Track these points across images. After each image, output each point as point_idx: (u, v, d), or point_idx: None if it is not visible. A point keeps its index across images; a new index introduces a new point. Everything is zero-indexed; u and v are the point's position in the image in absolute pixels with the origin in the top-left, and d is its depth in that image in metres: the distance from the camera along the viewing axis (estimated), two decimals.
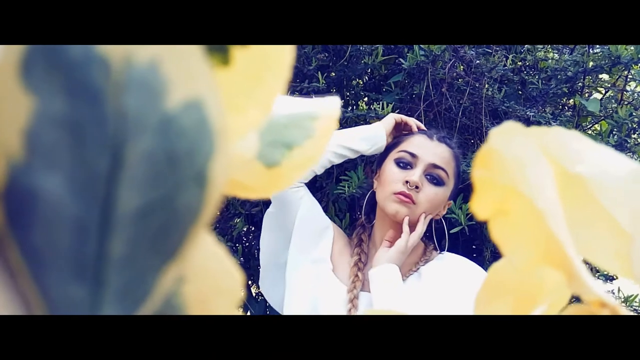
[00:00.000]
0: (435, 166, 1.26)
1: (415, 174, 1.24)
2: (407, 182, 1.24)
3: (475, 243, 1.63)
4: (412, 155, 1.27)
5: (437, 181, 1.26)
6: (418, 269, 1.27)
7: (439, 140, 1.30)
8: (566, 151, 0.20)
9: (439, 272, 1.24)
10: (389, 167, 1.30)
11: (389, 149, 1.34)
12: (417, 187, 1.24)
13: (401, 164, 1.28)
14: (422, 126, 1.38)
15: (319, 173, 1.37)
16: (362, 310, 1.23)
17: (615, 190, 0.20)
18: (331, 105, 0.23)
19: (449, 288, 1.18)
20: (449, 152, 1.29)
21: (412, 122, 1.37)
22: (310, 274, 1.30)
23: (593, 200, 0.20)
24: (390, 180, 1.27)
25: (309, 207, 1.34)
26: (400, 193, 1.24)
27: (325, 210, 1.61)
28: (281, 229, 1.36)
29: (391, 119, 1.36)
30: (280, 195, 1.33)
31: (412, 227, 1.26)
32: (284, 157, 0.21)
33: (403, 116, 1.38)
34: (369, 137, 1.33)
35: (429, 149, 1.27)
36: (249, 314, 1.76)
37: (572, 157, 0.20)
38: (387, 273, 1.21)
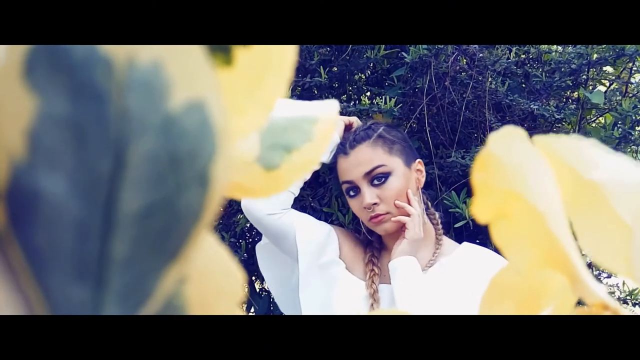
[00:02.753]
0: (368, 173, 1.26)
1: (365, 198, 1.25)
2: (364, 208, 1.25)
3: (479, 237, 1.63)
4: (349, 182, 1.28)
5: (383, 178, 1.26)
6: (436, 258, 1.27)
7: (351, 147, 1.29)
8: (581, 157, 0.20)
9: (460, 262, 1.24)
10: (348, 199, 1.32)
11: (336, 182, 1.36)
12: (375, 204, 1.25)
13: (351, 193, 1.29)
14: (354, 123, 1.37)
15: (295, 194, 1.37)
16: (385, 302, 1.24)
17: (629, 197, 0.20)
18: (330, 108, 0.23)
19: (471, 278, 1.18)
20: (368, 149, 1.28)
21: (346, 120, 1.37)
22: (320, 279, 1.30)
23: (606, 206, 0.20)
24: (357, 212, 1.30)
25: (305, 227, 1.34)
26: (370, 219, 1.26)
27: (329, 205, 1.61)
28: (284, 255, 1.37)
29: (342, 122, 1.37)
30: (271, 230, 1.34)
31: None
32: (283, 160, 0.21)
33: (350, 118, 1.39)
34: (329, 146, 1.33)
35: (352, 166, 1.28)
36: (252, 309, 1.76)
37: (586, 164, 0.20)
38: (405, 265, 1.21)
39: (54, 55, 0.14)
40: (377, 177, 1.25)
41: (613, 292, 1.75)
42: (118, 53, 0.14)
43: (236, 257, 1.65)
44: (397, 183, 1.26)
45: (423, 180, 1.33)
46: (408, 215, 1.25)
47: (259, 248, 1.45)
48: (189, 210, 0.15)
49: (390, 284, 1.27)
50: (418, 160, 1.32)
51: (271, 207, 1.31)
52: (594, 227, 0.21)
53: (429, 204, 1.37)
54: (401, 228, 1.26)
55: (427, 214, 1.33)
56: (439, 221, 1.34)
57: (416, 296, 1.17)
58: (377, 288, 1.26)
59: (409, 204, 1.26)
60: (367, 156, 1.27)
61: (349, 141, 1.30)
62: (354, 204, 1.30)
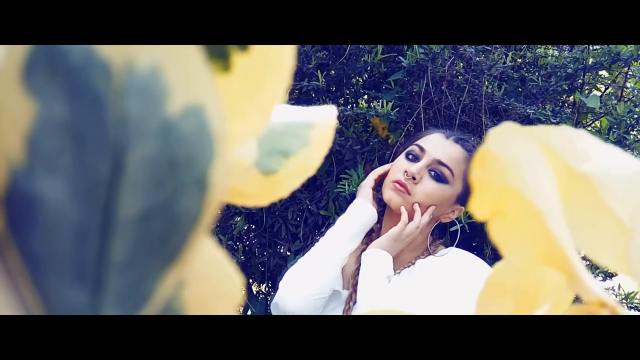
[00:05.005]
0: (440, 163, 1.26)
1: (416, 166, 1.25)
2: (405, 171, 1.25)
3: (475, 240, 1.63)
4: (421, 149, 1.28)
5: (439, 178, 1.26)
6: (415, 262, 1.28)
7: (454, 141, 1.29)
8: (573, 150, 0.20)
9: (431, 266, 1.23)
10: (399, 158, 1.32)
11: (407, 144, 1.36)
12: (414, 179, 1.25)
13: (410, 157, 1.29)
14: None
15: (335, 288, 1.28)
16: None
17: (621, 190, 0.20)
18: (328, 113, 0.23)
19: (438, 282, 1.17)
20: (461, 153, 1.28)
21: (381, 171, 1.36)
22: None
23: (598, 199, 0.20)
24: (395, 169, 1.30)
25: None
26: (397, 181, 1.26)
27: (326, 208, 1.61)
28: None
29: (371, 179, 1.34)
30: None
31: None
32: (281, 165, 0.21)
33: (382, 167, 1.37)
34: (363, 225, 1.29)
35: (439, 146, 1.28)
36: (249, 312, 1.76)
37: (578, 156, 0.20)
38: (373, 258, 1.22)
39: (53, 59, 0.14)
40: (437, 173, 1.26)
41: (608, 296, 1.75)
42: (116, 57, 0.14)
43: (233, 260, 1.64)
44: (438, 193, 1.26)
45: (445, 221, 1.32)
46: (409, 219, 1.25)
47: (273, 307, 1.35)
48: (187, 214, 0.15)
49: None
50: (462, 207, 1.31)
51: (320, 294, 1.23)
52: (586, 221, 0.21)
53: (445, 239, 1.37)
54: (394, 220, 1.26)
55: (433, 243, 1.32)
56: (437, 246, 1.33)
57: (378, 291, 1.16)
58: (355, 297, 1.26)
59: (424, 215, 1.26)
60: (453, 155, 1.27)
61: (457, 135, 1.31)
62: (399, 163, 1.29)
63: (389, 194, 1.27)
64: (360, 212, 1.30)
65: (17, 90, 0.14)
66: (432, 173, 1.26)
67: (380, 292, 1.17)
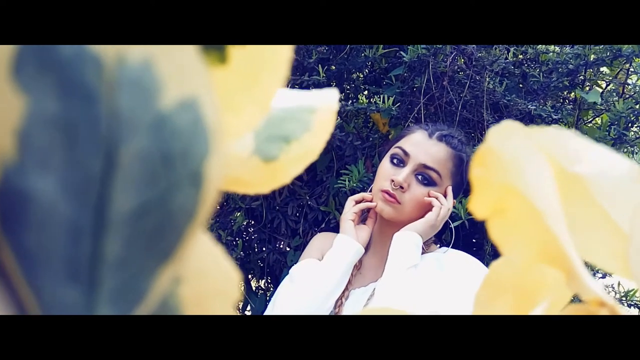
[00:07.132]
0: (426, 167, 1.24)
1: (402, 174, 1.23)
2: (392, 181, 1.23)
3: (475, 237, 1.63)
4: (405, 153, 1.26)
5: (427, 182, 1.25)
6: None
7: (438, 139, 1.27)
8: (564, 150, 0.20)
9: (434, 265, 1.23)
10: (384, 162, 1.30)
11: (391, 143, 1.34)
12: (402, 187, 1.23)
13: (394, 161, 1.27)
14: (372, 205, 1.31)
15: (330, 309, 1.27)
16: (349, 304, 1.25)
17: (613, 190, 0.20)
18: (329, 98, 0.23)
19: (442, 280, 1.17)
20: (445, 152, 1.26)
21: (359, 197, 1.33)
22: None
23: (591, 200, 0.20)
24: (381, 176, 1.28)
25: None
26: (385, 191, 1.24)
27: (326, 204, 1.61)
28: None
29: (351, 212, 1.30)
30: None
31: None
32: (282, 151, 0.21)
33: (357, 196, 1.34)
34: (350, 264, 1.27)
35: (423, 148, 1.26)
36: (249, 308, 1.76)
37: (570, 157, 0.20)
38: (409, 240, 1.20)
39: (43, 54, 0.14)
40: (425, 177, 1.24)
41: (608, 293, 1.75)
42: (108, 51, 0.14)
43: (233, 255, 1.64)
44: (427, 196, 1.26)
45: None
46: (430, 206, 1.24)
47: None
48: (183, 209, 0.15)
49: (364, 286, 1.27)
50: (453, 200, 1.31)
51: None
52: (579, 222, 0.21)
53: (445, 235, 1.37)
54: (426, 209, 1.25)
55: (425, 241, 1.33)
56: (430, 245, 1.33)
57: (407, 277, 1.16)
58: (354, 273, 1.28)
59: (448, 198, 1.26)
60: (438, 155, 1.25)
61: (440, 132, 1.29)
62: (386, 168, 1.27)
63: (380, 205, 1.26)
64: (346, 254, 1.26)
65: (8, 86, 0.14)
66: (420, 177, 1.25)
67: (408, 278, 1.16)
